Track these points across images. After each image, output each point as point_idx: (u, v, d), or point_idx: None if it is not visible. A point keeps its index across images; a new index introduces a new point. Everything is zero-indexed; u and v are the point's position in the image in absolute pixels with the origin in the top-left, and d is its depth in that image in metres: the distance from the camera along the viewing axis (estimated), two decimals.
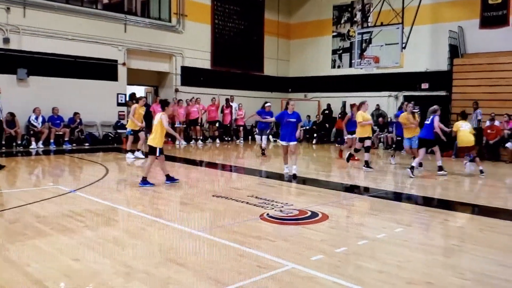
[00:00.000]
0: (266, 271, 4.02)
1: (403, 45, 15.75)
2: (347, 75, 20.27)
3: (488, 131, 14.13)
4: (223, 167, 11.88)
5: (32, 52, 14.52)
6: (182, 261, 4.30)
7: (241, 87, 20.32)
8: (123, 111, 16.91)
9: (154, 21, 17.89)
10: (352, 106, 12.64)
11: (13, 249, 4.61)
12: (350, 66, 20.06)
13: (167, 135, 17.28)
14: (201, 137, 17.81)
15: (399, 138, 12.59)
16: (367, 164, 10.88)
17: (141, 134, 12.16)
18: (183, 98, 17.88)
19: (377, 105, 18.24)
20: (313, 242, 5.00)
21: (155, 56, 17.95)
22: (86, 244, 4.80)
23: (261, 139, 13.31)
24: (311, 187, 8.67)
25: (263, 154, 13.21)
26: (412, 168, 10.02)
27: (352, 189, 9.14)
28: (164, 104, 8.66)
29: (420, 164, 11.12)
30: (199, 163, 12.71)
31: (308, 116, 20.33)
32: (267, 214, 6.14)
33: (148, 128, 10.76)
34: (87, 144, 15.36)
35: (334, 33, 21.28)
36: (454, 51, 16.73)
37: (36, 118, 14.34)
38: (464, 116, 11.02)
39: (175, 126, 16.94)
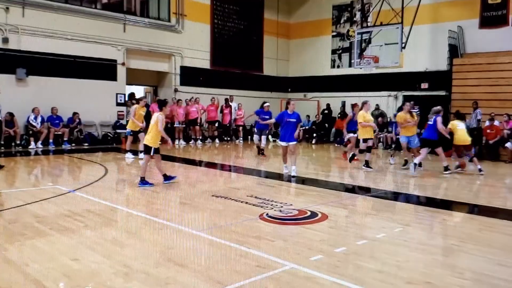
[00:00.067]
0: (266, 271, 4.02)
1: (403, 45, 15.76)
2: (347, 75, 20.27)
3: (488, 131, 14.13)
4: (223, 167, 11.88)
5: (31, 52, 14.50)
6: (182, 261, 4.29)
7: (240, 87, 20.30)
8: (122, 111, 16.90)
9: (154, 20, 17.88)
10: (353, 106, 12.61)
11: (12, 249, 4.61)
12: (350, 66, 20.06)
13: (167, 134, 17.30)
14: (200, 137, 17.80)
15: (398, 137, 12.61)
16: (367, 164, 10.87)
17: (141, 135, 12.12)
18: (183, 98, 17.86)
19: (377, 105, 18.23)
20: (313, 242, 5.00)
21: (154, 56, 17.94)
22: (86, 244, 4.80)
23: (260, 139, 13.28)
24: (311, 187, 8.67)
25: (262, 154, 13.20)
26: (415, 165, 10.13)
27: (351, 189, 9.14)
28: (162, 104, 8.64)
29: (420, 164, 11.16)
30: (199, 163, 12.71)
31: (308, 116, 20.31)
32: (267, 214, 6.13)
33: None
34: (86, 144, 15.35)
35: (334, 33, 21.27)
36: (454, 51, 16.74)
37: (35, 118, 14.32)
38: (458, 115, 11.14)
39: (175, 126, 16.96)
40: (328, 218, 6.01)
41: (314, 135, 19.46)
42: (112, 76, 16.61)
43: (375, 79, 18.91)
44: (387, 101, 18.94)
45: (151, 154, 8.17)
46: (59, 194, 7.31)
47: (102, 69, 16.23)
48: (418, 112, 16.13)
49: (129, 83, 17.54)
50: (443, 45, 17.01)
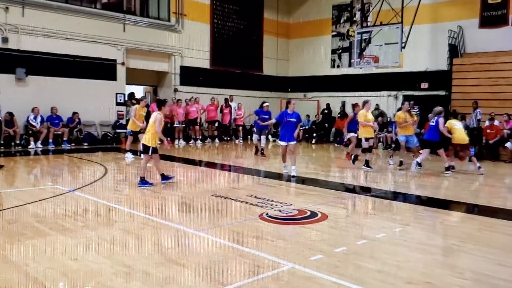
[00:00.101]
0: (265, 271, 4.02)
1: (403, 44, 15.75)
2: (347, 75, 20.26)
3: (488, 130, 14.12)
4: (222, 167, 11.87)
5: (31, 51, 14.49)
6: (182, 261, 4.29)
7: (240, 87, 20.29)
8: (122, 111, 16.89)
9: (153, 20, 17.87)
10: (354, 105, 12.58)
11: (12, 249, 4.61)
12: (350, 65, 20.06)
13: (166, 134, 17.30)
14: (200, 137, 17.80)
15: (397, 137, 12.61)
16: (367, 163, 10.87)
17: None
18: (182, 98, 17.84)
19: (377, 104, 18.21)
20: (313, 242, 4.99)
21: (154, 55, 17.93)
22: (85, 244, 4.79)
23: (259, 139, 13.27)
24: (311, 187, 8.66)
25: (262, 154, 13.19)
26: (417, 163, 10.25)
27: (351, 189, 9.14)
28: (160, 103, 8.63)
29: (420, 164, 11.17)
30: (198, 163, 12.71)
31: (308, 116, 20.30)
32: (266, 214, 6.13)
33: None
34: (86, 144, 15.34)
35: (334, 33, 21.26)
36: (454, 51, 16.73)
37: (35, 118, 14.31)
38: (455, 115, 11.20)
39: (175, 125, 16.95)
40: (328, 218, 6.01)
41: (314, 135, 19.45)
42: (112, 76, 16.60)
43: (375, 79, 18.90)
44: (387, 101, 18.93)
45: (150, 153, 8.16)
46: (58, 194, 7.31)
47: (102, 69, 16.22)
48: (418, 112, 16.17)
49: (128, 83, 17.52)
50: (443, 45, 17.00)
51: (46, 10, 14.85)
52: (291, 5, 22.92)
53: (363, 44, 16.95)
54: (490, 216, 6.56)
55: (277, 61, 22.66)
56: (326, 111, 20.29)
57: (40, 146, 14.23)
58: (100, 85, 16.16)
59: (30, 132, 14.22)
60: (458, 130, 10.63)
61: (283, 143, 9.68)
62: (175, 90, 18.51)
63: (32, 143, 14.12)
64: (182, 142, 17.04)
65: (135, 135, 12.22)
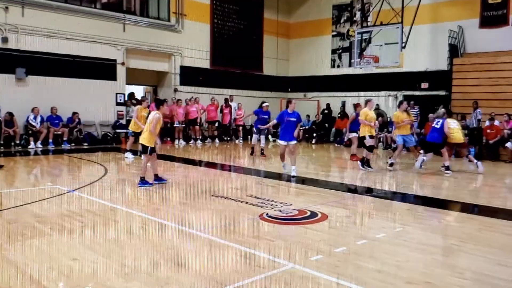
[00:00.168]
0: (265, 271, 4.02)
1: (403, 44, 15.75)
2: (347, 75, 20.26)
3: (488, 130, 14.12)
4: (222, 167, 11.87)
5: (31, 51, 14.49)
6: (182, 261, 4.29)
7: (240, 87, 20.29)
8: (122, 111, 16.89)
9: (153, 20, 17.87)
10: (356, 105, 12.55)
11: (12, 249, 4.61)
12: (350, 65, 20.06)
13: (166, 134, 17.31)
14: (200, 137, 17.79)
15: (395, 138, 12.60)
16: (367, 163, 10.86)
17: None
18: (182, 98, 17.84)
19: (377, 104, 18.20)
20: (313, 242, 4.99)
21: (154, 55, 17.93)
22: (85, 244, 4.79)
23: (259, 139, 13.26)
24: (311, 187, 8.66)
25: (262, 154, 13.17)
26: (423, 160, 10.53)
27: (351, 189, 9.13)
28: (159, 103, 8.63)
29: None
30: (198, 163, 12.70)
31: (308, 116, 20.30)
32: (267, 214, 6.13)
33: None
34: (85, 144, 15.34)
35: (334, 33, 21.26)
36: (454, 51, 16.73)
37: (35, 118, 14.31)
38: (449, 114, 11.28)
39: (175, 125, 16.95)
40: (328, 218, 6.01)
41: (314, 135, 19.45)
42: (112, 76, 16.61)
43: (375, 79, 18.90)
44: (387, 101, 18.93)
45: (148, 153, 8.15)
46: (58, 194, 7.31)
47: (102, 69, 16.22)
48: (418, 112, 16.19)
49: (128, 83, 17.53)
50: (443, 45, 17.00)
51: (46, 10, 14.85)
52: (291, 5, 22.92)
53: (363, 44, 16.95)
54: (490, 216, 6.55)
55: (277, 61, 22.66)
56: (326, 111, 20.28)
57: (40, 146, 14.24)
58: (100, 85, 16.16)
59: (30, 132, 14.23)
60: (453, 130, 10.66)
61: (283, 143, 9.66)
62: (175, 90, 18.51)
63: (32, 143, 14.13)
64: (182, 142, 17.04)
65: (137, 136, 12.16)
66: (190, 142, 17.39)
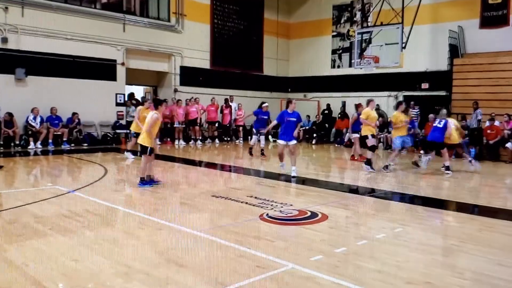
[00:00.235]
0: (266, 271, 4.01)
1: (403, 45, 15.74)
2: (347, 75, 20.25)
3: (488, 131, 14.11)
4: (222, 167, 11.86)
5: (31, 51, 14.48)
6: (182, 261, 4.28)
7: (240, 87, 20.28)
8: (122, 111, 16.88)
9: (153, 20, 17.86)
10: (357, 106, 12.53)
11: (12, 249, 4.60)
12: (350, 66, 20.04)
13: (166, 135, 17.30)
14: (200, 137, 17.79)
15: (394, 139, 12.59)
16: (368, 163, 10.82)
17: None
18: (182, 98, 17.83)
19: (377, 105, 18.20)
20: (313, 242, 4.99)
21: (154, 56, 17.93)
22: (85, 244, 4.79)
23: (258, 140, 13.24)
24: (311, 187, 8.66)
25: (262, 154, 13.17)
26: (428, 160, 10.70)
27: (351, 189, 9.13)
28: (157, 102, 8.61)
29: (417, 164, 11.24)
30: (198, 163, 12.69)
31: (308, 116, 20.29)
32: (267, 215, 6.12)
33: None
34: (85, 144, 15.33)
35: (334, 33, 21.26)
36: (454, 51, 16.73)
37: (34, 118, 14.30)
38: (449, 114, 11.53)
39: (175, 126, 16.94)
40: (328, 219, 6.00)
41: (314, 135, 19.44)
42: (112, 76, 16.60)
43: (375, 79, 18.89)
44: (387, 101, 18.92)
45: (148, 153, 8.15)
46: (58, 194, 7.30)
47: (102, 69, 16.21)
48: (419, 112, 16.18)
49: (128, 83, 17.52)
50: (444, 45, 16.99)
51: (45, 10, 14.84)
52: (291, 5, 22.92)
53: (364, 44, 16.94)
54: (490, 216, 6.55)
55: (277, 61, 22.65)
56: (326, 112, 20.28)
57: (39, 146, 14.22)
58: (100, 85, 16.15)
59: (30, 132, 14.21)
60: (452, 130, 10.75)
61: (282, 142, 9.64)
62: (175, 91, 18.51)
63: (31, 143, 14.11)
64: (182, 142, 17.03)
65: (138, 137, 12.15)
66: (190, 143, 17.39)
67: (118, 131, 16.47)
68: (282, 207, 6.61)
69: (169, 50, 18.28)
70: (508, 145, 13.55)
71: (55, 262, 4.21)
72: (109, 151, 14.24)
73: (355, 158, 12.57)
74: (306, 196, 7.92)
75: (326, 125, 19.80)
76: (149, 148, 8.14)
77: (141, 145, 8.28)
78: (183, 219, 6.08)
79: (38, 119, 14.36)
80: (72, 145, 15.02)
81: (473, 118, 14.58)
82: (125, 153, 12.37)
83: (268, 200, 7.02)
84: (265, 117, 13.23)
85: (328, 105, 20.29)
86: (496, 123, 14.16)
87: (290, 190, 8.73)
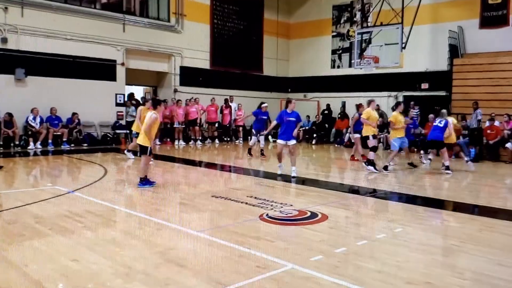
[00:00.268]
0: (266, 272, 4.01)
1: (403, 45, 15.75)
2: (347, 75, 20.26)
3: (488, 131, 14.12)
4: (222, 168, 11.86)
5: (30, 52, 14.48)
6: (182, 261, 4.28)
7: (240, 87, 20.28)
8: (122, 112, 16.88)
9: (153, 21, 17.86)
10: (358, 106, 12.52)
11: (12, 249, 4.60)
12: (350, 66, 20.05)
13: (166, 135, 17.29)
14: (200, 138, 17.78)
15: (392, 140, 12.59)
16: (368, 162, 10.82)
17: None
18: (182, 98, 17.84)
19: (377, 105, 18.20)
20: (313, 242, 4.99)
21: (154, 56, 17.93)
22: (85, 244, 4.78)
23: (258, 140, 13.23)
24: (311, 188, 8.66)
25: (262, 154, 13.17)
26: (430, 160, 11.15)
27: (351, 189, 9.12)
28: (156, 102, 8.60)
29: (415, 165, 11.26)
30: (198, 164, 12.69)
31: (308, 116, 20.30)
32: (267, 215, 6.12)
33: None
34: (85, 144, 15.33)
35: (334, 33, 21.27)
36: (454, 51, 16.73)
37: (34, 119, 14.29)
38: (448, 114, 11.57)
39: (174, 126, 16.94)
40: (328, 219, 6.00)
41: (314, 135, 19.45)
42: (112, 76, 16.59)
43: (375, 80, 18.90)
44: (387, 102, 18.90)
45: (147, 153, 8.14)
46: (58, 194, 7.30)
47: (102, 69, 16.21)
48: (419, 112, 16.17)
49: (128, 83, 17.51)
50: (443, 45, 17.00)
51: (45, 10, 14.84)
52: (291, 5, 22.93)
53: (363, 44, 16.95)
54: (490, 216, 6.55)
55: (277, 61, 22.65)
56: (326, 112, 20.28)
57: (39, 146, 14.22)
58: (100, 85, 16.15)
59: (30, 132, 14.21)
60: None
61: (281, 142, 9.61)
62: (175, 91, 18.51)
63: (31, 143, 14.11)
64: (182, 142, 17.03)
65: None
66: (190, 143, 17.39)
67: (118, 131, 16.47)
68: (282, 207, 6.61)
69: (169, 50, 18.28)
70: (508, 145, 13.55)
71: (55, 262, 4.20)
72: (109, 152, 14.23)
73: (355, 158, 12.57)
74: (306, 196, 7.92)
75: (326, 125, 19.81)
76: (149, 148, 8.13)
77: (141, 145, 8.28)
78: (183, 219, 6.08)
79: (38, 120, 14.36)
80: (72, 145, 15.01)
81: (473, 118, 14.58)
82: (126, 153, 12.37)
83: (268, 200, 7.02)
84: (265, 117, 13.23)
85: (328, 105, 20.30)
86: (496, 123, 14.17)
87: (290, 190, 8.72)
